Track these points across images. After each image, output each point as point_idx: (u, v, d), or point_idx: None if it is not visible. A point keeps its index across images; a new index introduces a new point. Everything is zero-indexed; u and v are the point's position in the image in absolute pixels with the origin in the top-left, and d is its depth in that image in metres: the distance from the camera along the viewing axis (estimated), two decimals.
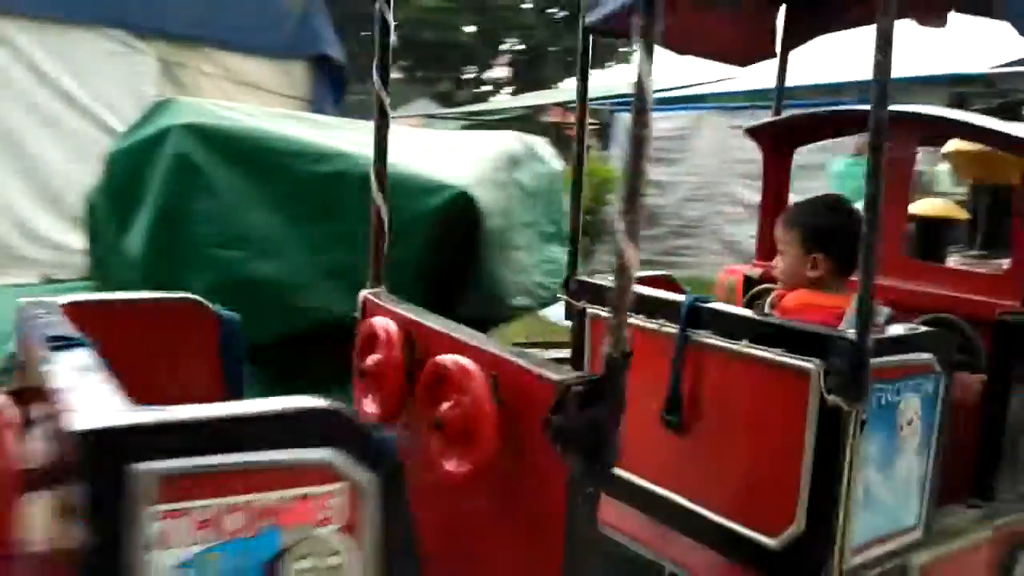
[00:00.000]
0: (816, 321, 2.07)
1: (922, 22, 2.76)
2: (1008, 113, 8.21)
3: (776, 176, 3.23)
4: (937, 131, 3.26)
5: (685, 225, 10.74)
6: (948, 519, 2.29)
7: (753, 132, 3.21)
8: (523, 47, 21.56)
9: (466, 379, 1.60)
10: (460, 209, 3.19)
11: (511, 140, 4.15)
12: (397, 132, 4.27)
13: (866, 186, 1.75)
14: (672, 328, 2.15)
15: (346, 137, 3.53)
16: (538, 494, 1.54)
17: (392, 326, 2.00)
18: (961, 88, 9.84)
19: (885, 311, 2.13)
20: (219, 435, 1.20)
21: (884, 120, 1.76)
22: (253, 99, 9.47)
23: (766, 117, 3.27)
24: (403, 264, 3.17)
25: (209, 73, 10.30)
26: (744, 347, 2.02)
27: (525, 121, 15.39)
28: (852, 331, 1.82)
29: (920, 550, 2.18)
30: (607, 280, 2.38)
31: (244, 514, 1.20)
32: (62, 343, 1.44)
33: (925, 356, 2.04)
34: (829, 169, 7.73)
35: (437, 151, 3.72)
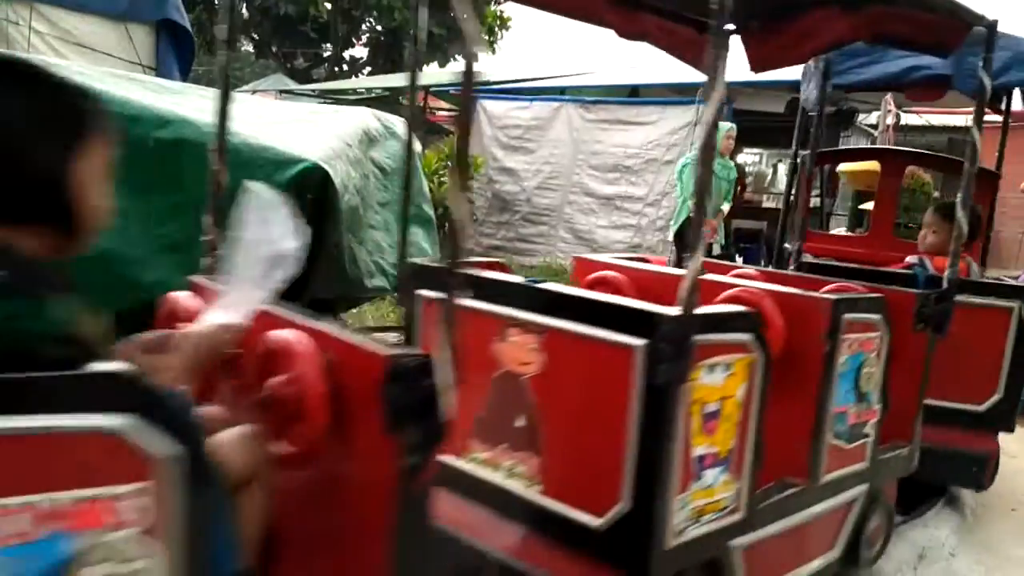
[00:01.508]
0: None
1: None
2: (843, 119, 8.79)
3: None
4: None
5: (536, 213, 10.90)
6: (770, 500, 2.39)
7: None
8: (383, 28, 21.18)
9: (294, 355, 1.52)
10: (313, 183, 3.08)
11: (368, 117, 4.05)
12: (247, 101, 4.08)
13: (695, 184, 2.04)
14: (507, 310, 2.20)
15: (191, 104, 3.32)
16: (368, 473, 1.49)
17: (194, 301, 1.92)
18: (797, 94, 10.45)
19: None
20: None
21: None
22: (91, 63, 8.83)
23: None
24: None
25: (43, 33, 9.54)
26: (572, 326, 2.06)
27: (385, 103, 15.13)
28: (675, 309, 1.89)
29: (742, 532, 2.25)
30: (436, 263, 2.54)
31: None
32: None
33: (743, 336, 2.12)
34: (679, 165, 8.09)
35: (289, 123, 3.57)
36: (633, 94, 11.32)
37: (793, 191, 4.77)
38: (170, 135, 2.94)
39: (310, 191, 3.08)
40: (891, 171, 5.64)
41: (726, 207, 7.77)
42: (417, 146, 4.27)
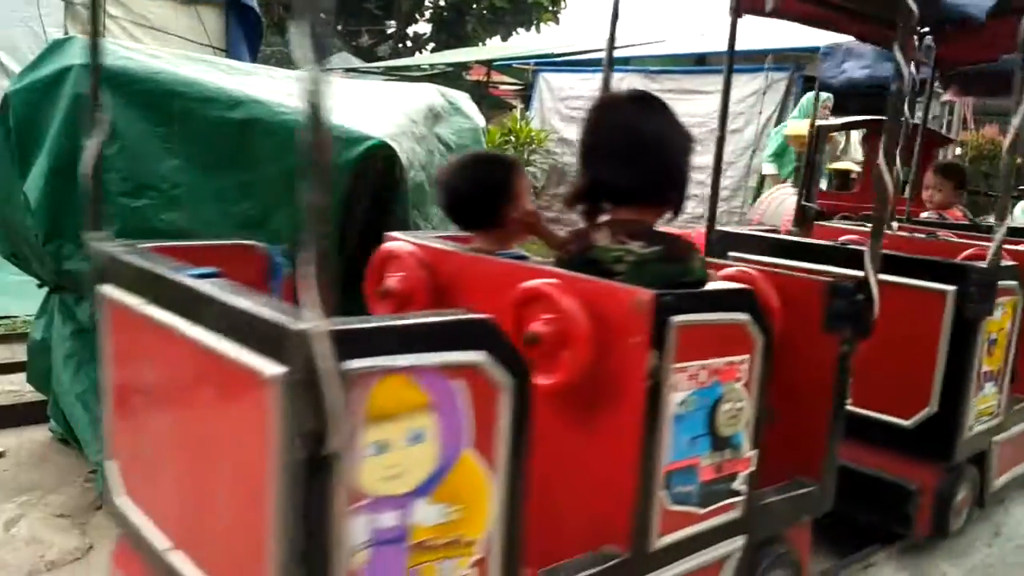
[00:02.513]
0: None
1: None
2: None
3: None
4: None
5: None
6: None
7: None
8: (445, 3, 21.17)
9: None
10: (380, 161, 3.12)
11: (433, 93, 4.07)
12: None
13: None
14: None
15: (261, 84, 3.40)
16: (816, 358, 2.29)
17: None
18: None
19: None
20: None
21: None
22: (164, 46, 9.05)
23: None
24: None
25: (116, 16, 9.83)
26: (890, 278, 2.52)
27: (448, 78, 15.17)
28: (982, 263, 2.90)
29: (1000, 431, 3.25)
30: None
31: (706, 372, 1.88)
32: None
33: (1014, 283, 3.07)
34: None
35: (356, 102, 3.62)
36: (700, 63, 11.11)
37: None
38: (242, 115, 3.01)
39: (377, 168, 3.13)
40: (876, 136, 6.46)
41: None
42: (480, 121, 4.28)
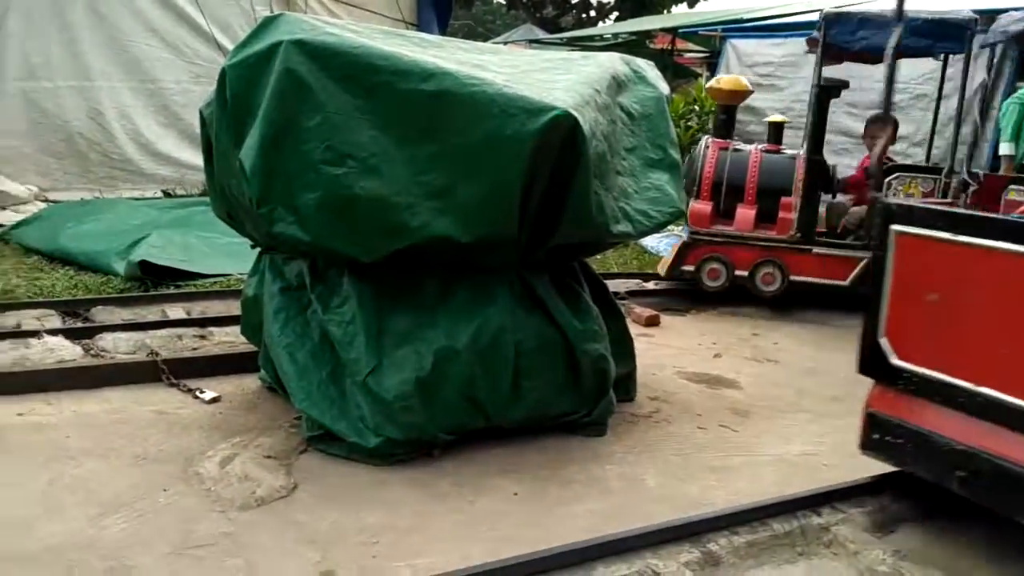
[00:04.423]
0: None
1: None
2: None
3: None
4: None
5: None
6: None
7: None
8: None
9: None
10: (563, 131, 3.15)
11: (617, 62, 4.05)
12: (501, 52, 4.24)
13: None
14: None
15: (452, 56, 3.52)
16: None
17: None
18: None
19: None
20: None
21: None
22: (360, 21, 9.48)
23: None
24: (504, 184, 3.18)
25: None
26: None
27: (632, 47, 14.97)
28: None
29: None
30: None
31: None
32: None
33: None
34: None
35: (540, 71, 3.67)
36: None
37: None
38: (433, 87, 3.13)
39: (560, 138, 3.17)
40: None
41: None
42: (665, 89, 4.22)
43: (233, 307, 4.80)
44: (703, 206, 6.20)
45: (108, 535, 2.65)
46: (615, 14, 21.93)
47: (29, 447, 3.23)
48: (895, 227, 2.77)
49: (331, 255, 3.35)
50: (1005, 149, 7.28)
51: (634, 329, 4.56)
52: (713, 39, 13.37)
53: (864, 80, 9.50)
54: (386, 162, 3.14)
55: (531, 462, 3.36)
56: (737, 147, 6.42)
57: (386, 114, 3.15)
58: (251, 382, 4.02)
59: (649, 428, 3.82)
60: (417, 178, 3.18)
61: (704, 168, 6.28)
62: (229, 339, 4.58)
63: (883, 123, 5.31)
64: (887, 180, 6.17)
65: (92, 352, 4.28)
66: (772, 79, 10.52)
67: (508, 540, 2.73)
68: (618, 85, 3.90)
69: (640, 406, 4.06)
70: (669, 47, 15.10)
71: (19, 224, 7.05)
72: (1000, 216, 3.40)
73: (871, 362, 2.88)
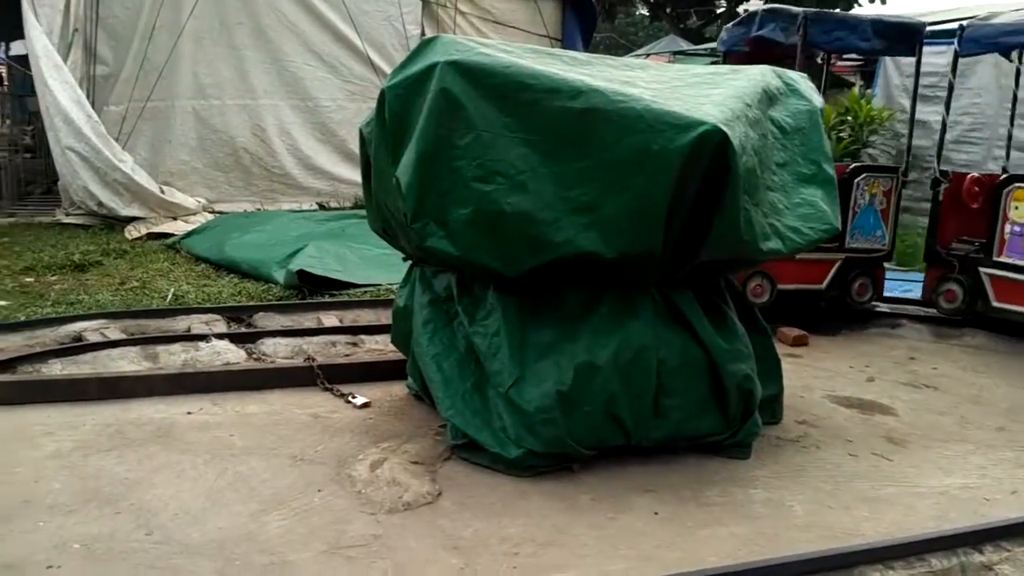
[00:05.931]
0: None
1: None
2: None
3: None
4: None
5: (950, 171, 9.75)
6: None
7: None
8: None
9: None
10: (712, 147, 3.11)
11: (769, 74, 3.95)
12: (649, 68, 4.23)
13: None
14: None
15: (600, 74, 3.54)
16: None
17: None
18: None
19: None
20: None
21: None
22: (506, 38, 9.67)
23: None
24: (651, 200, 3.17)
25: (466, 13, 10.72)
26: None
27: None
28: None
29: None
30: None
31: None
32: None
33: None
34: None
35: (688, 86, 3.63)
36: None
37: None
38: (581, 104, 3.16)
39: (709, 153, 3.12)
40: None
41: None
42: (819, 101, 4.08)
43: (383, 316, 5.00)
44: None
45: (267, 531, 2.81)
46: None
47: (196, 444, 3.48)
48: None
49: (477, 269, 3.43)
50: None
51: (780, 349, 4.42)
52: None
53: None
54: (533, 179, 3.19)
55: (671, 482, 3.32)
56: None
57: (535, 131, 3.21)
58: (399, 389, 4.17)
59: (796, 453, 3.69)
60: (563, 194, 3.21)
61: None
62: (379, 347, 4.78)
63: None
64: (855, 180, 6.00)
65: (255, 356, 4.55)
66: (936, 89, 9.93)
67: (649, 559, 2.71)
68: (769, 98, 3.81)
69: (786, 429, 3.93)
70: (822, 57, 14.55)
71: (189, 234, 7.62)
72: None
73: None
